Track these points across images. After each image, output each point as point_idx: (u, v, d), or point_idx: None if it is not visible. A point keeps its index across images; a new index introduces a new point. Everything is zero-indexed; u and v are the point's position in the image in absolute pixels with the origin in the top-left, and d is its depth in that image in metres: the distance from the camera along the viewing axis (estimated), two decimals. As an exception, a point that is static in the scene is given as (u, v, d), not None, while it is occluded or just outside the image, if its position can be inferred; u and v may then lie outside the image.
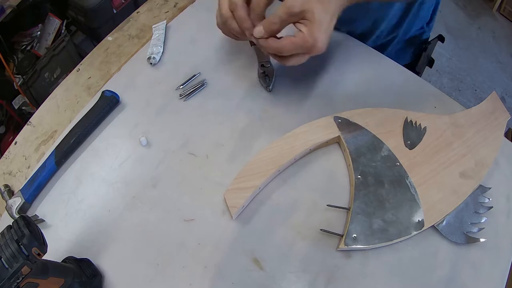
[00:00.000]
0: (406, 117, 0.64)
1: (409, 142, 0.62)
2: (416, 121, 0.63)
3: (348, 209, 0.58)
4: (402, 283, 0.54)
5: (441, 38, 0.86)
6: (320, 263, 0.55)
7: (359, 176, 0.59)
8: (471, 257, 0.56)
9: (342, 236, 0.56)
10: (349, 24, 0.76)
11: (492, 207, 0.59)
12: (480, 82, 1.99)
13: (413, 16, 0.80)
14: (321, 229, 0.57)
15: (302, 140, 0.62)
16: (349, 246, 0.54)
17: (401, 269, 0.55)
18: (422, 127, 0.63)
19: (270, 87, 0.69)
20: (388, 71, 0.73)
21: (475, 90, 1.98)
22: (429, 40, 0.87)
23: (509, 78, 2.01)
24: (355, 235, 0.54)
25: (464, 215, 0.58)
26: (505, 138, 0.66)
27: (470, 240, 0.56)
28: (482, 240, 0.56)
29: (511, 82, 2.00)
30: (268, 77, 0.70)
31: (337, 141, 0.64)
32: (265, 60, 0.70)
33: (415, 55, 0.89)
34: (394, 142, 0.62)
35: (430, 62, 0.88)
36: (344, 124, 0.63)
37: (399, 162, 0.60)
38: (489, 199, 0.59)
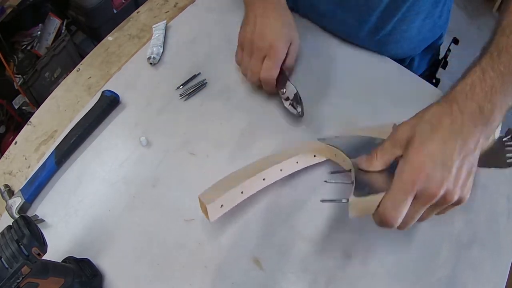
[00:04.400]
0: (394, 123, 0.59)
1: None
2: None
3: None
4: (402, 284, 0.54)
5: (455, 41, 0.85)
6: (320, 263, 0.55)
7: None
8: (471, 257, 0.56)
9: (347, 200, 0.47)
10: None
11: None
12: (480, 82, 1.99)
13: (433, 29, 0.77)
14: (321, 200, 0.51)
15: (288, 154, 0.59)
16: (360, 197, 0.46)
17: (401, 269, 0.55)
18: None
19: (300, 111, 0.63)
20: (387, 71, 0.73)
21: (475, 90, 1.97)
22: (448, 47, 0.85)
23: (509, 78, 2.01)
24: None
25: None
26: (505, 138, 0.66)
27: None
28: None
29: (511, 82, 2.00)
30: (295, 101, 0.64)
31: (327, 157, 0.61)
32: (282, 88, 0.65)
33: (432, 61, 0.88)
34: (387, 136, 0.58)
35: (444, 64, 0.87)
36: (330, 140, 0.61)
37: None
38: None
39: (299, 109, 0.63)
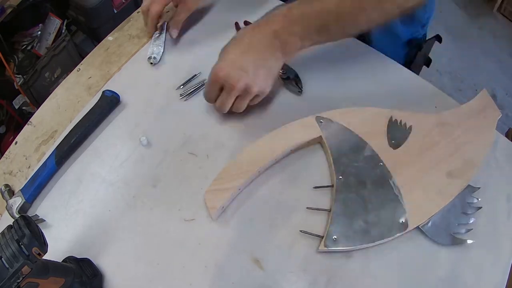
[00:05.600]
0: (391, 117, 0.63)
1: (393, 141, 0.61)
2: (401, 120, 0.63)
3: (328, 210, 0.58)
4: (402, 283, 0.54)
5: (438, 38, 0.84)
6: (320, 263, 0.55)
7: (341, 177, 0.58)
8: (471, 257, 0.56)
9: (322, 237, 0.55)
10: None
11: (481, 207, 0.58)
12: (480, 82, 1.98)
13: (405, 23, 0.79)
14: (300, 230, 0.56)
15: (283, 140, 0.61)
16: (329, 248, 0.54)
17: (401, 269, 0.55)
18: (407, 126, 0.62)
19: (300, 89, 0.69)
20: (388, 71, 0.73)
21: (476, 90, 1.97)
22: (426, 39, 0.86)
23: (509, 78, 2.01)
24: (335, 237, 0.54)
25: (451, 216, 0.57)
26: (505, 138, 0.66)
27: (457, 241, 0.56)
28: (469, 241, 0.55)
29: (511, 82, 2.00)
30: (294, 80, 0.69)
31: (319, 141, 0.64)
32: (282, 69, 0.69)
33: (410, 55, 0.88)
34: (377, 142, 0.61)
35: (427, 62, 0.86)
36: (326, 124, 0.63)
37: (383, 162, 0.59)
38: (477, 199, 0.59)
39: (300, 86, 0.69)
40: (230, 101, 0.60)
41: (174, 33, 0.73)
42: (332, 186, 0.59)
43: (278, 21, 0.57)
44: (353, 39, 0.76)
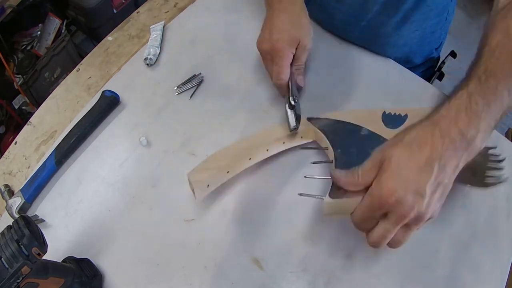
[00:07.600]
0: (384, 111, 0.63)
1: (390, 126, 0.61)
2: (395, 112, 0.63)
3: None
4: (402, 284, 0.54)
5: (453, 54, 0.85)
6: (320, 263, 0.55)
7: (339, 150, 0.56)
8: (471, 257, 0.56)
9: (323, 198, 0.49)
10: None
11: (505, 158, 0.56)
12: (480, 82, 1.99)
13: (421, 46, 0.78)
14: (299, 194, 0.53)
15: (276, 133, 0.61)
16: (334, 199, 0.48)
17: (401, 268, 0.55)
18: (403, 115, 0.62)
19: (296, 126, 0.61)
20: (387, 71, 0.73)
21: (475, 90, 1.97)
22: (443, 60, 0.86)
23: (509, 78, 2.01)
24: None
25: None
26: (505, 138, 0.66)
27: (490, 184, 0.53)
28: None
29: (511, 82, 2.00)
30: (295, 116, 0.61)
31: (314, 139, 0.63)
32: (296, 96, 0.62)
33: (426, 73, 0.89)
34: (373, 126, 0.60)
35: (440, 75, 0.87)
36: (319, 120, 0.62)
37: (383, 137, 0.59)
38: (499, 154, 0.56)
39: (297, 125, 0.60)
40: (392, 233, 0.44)
41: (301, 80, 0.65)
42: (332, 161, 0.57)
43: (463, 116, 0.42)
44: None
